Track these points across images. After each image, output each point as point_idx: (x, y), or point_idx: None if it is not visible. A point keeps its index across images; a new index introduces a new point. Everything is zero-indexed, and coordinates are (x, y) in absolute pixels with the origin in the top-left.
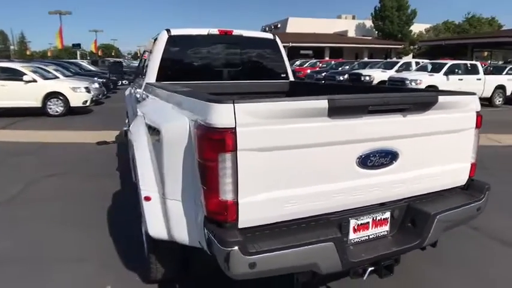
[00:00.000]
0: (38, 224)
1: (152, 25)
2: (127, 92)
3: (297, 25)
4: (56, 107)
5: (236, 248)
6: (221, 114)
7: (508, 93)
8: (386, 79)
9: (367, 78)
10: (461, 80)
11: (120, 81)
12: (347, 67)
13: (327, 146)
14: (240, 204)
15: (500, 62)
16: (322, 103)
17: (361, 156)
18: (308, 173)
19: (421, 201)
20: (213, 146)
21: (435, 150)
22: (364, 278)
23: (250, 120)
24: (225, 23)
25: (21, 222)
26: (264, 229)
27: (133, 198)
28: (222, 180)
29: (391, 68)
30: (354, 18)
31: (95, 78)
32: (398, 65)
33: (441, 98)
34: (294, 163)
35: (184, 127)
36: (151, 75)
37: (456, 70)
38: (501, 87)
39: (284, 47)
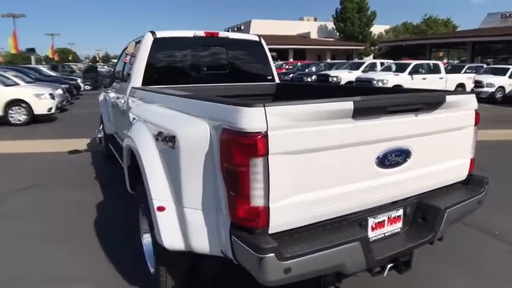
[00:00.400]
0: (20, 242)
1: (110, 28)
2: (101, 97)
3: (260, 27)
4: (18, 116)
5: (272, 254)
6: (252, 118)
7: (468, 90)
8: (354, 79)
9: (335, 79)
10: (425, 79)
11: (83, 87)
12: (313, 68)
13: (350, 147)
14: (271, 209)
15: (456, 61)
16: (348, 104)
17: (379, 156)
18: (333, 174)
19: (429, 197)
20: (243, 151)
21: (441, 148)
22: (384, 274)
23: (281, 123)
24: (186, 24)
25: (1, 241)
26: (293, 233)
27: (120, 209)
28: (253, 185)
29: (357, 69)
30: (316, 20)
31: (57, 84)
32: (364, 65)
33: (448, 98)
34: (321, 165)
35: (204, 132)
36: (136, 80)
37: (420, 70)
38: (461, 85)
39: None
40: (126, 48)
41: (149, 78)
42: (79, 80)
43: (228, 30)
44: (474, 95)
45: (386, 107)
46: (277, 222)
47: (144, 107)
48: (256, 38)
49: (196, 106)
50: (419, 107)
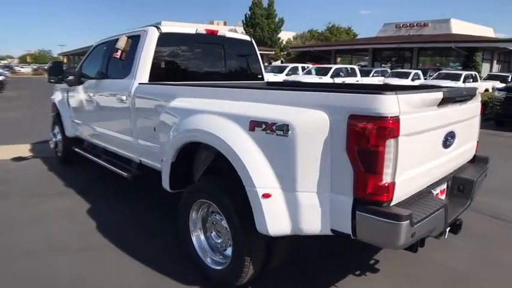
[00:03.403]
0: (32, 257)
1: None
2: (58, 97)
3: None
4: None
5: (408, 221)
6: (390, 104)
7: None
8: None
9: None
10: (344, 81)
11: None
12: None
13: (432, 130)
14: (396, 184)
15: (357, 66)
16: (439, 94)
17: (443, 138)
18: (423, 153)
19: (458, 173)
20: (381, 133)
21: (467, 132)
22: (445, 236)
23: (407, 109)
24: (92, 26)
25: (10, 259)
26: (400, 204)
27: (122, 214)
28: (386, 163)
29: (281, 73)
30: (225, 24)
31: None
32: (287, 69)
33: (476, 91)
34: (418, 146)
35: (322, 120)
36: (142, 76)
37: (340, 73)
38: None
39: None
40: (98, 45)
41: (155, 74)
42: None
43: None
44: (478, 90)
45: (455, 97)
46: (397, 195)
47: (208, 101)
48: (248, 38)
49: (305, 97)
50: (466, 98)
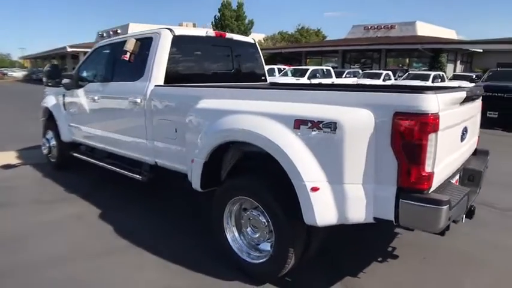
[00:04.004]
0: (58, 264)
1: None
2: (52, 102)
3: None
4: None
5: (447, 205)
6: (431, 103)
7: None
8: None
9: None
10: (321, 82)
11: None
12: None
13: (455, 126)
14: (435, 173)
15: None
16: (463, 94)
17: (461, 133)
18: (449, 146)
19: (467, 164)
20: (425, 128)
21: (473, 127)
22: (463, 221)
23: (444, 106)
24: (54, 29)
25: (39, 266)
26: (434, 192)
27: (135, 215)
28: (428, 155)
29: None
30: (194, 26)
31: None
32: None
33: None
34: (447, 139)
35: (368, 117)
36: (157, 78)
37: (316, 74)
38: None
39: None
40: (98, 47)
41: (170, 77)
42: None
43: (102, 34)
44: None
45: (473, 96)
46: (434, 184)
47: (242, 102)
48: (252, 41)
49: (350, 97)
50: (477, 97)
